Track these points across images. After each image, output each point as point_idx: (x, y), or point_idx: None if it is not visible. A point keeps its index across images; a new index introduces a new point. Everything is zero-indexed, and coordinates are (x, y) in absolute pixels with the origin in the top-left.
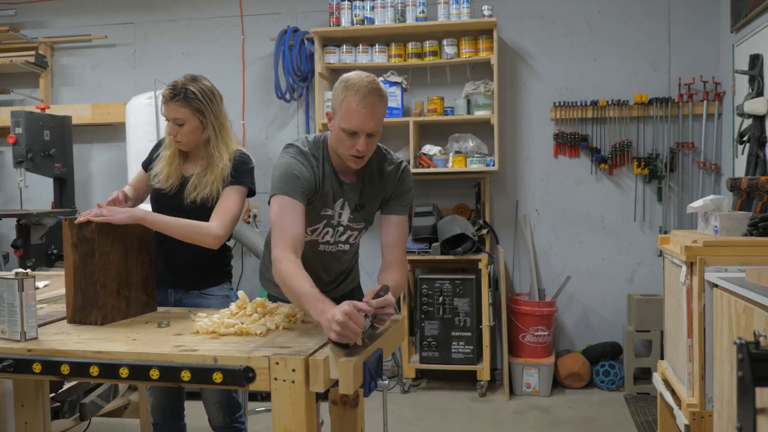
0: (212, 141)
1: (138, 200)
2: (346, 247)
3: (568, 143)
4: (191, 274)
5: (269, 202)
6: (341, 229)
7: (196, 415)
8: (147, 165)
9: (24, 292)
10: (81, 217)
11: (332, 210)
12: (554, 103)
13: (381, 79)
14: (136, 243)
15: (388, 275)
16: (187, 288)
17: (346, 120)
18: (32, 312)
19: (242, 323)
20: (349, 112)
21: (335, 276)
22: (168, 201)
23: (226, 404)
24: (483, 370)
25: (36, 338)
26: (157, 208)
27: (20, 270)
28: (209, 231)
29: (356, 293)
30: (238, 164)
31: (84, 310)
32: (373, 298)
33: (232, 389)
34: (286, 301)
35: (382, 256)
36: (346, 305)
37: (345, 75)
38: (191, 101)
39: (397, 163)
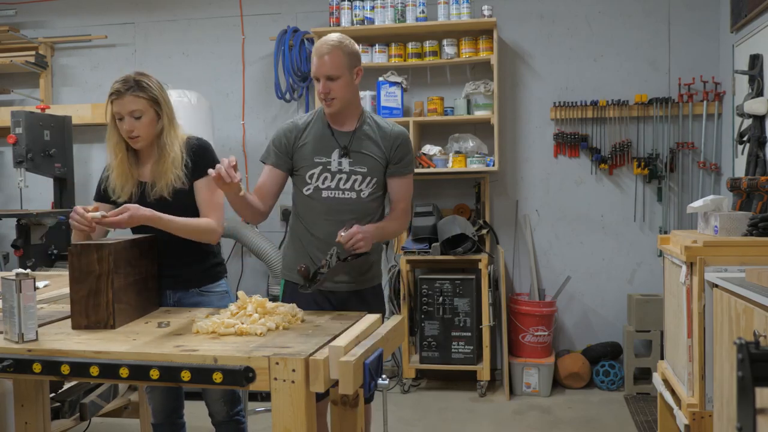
0: (165, 131)
1: (102, 236)
2: (353, 194)
3: (568, 143)
4: (189, 272)
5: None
6: (344, 176)
7: (195, 415)
8: (100, 197)
9: (22, 293)
10: (82, 226)
11: (327, 158)
12: (554, 103)
13: (381, 79)
14: (144, 249)
15: (384, 221)
16: (187, 287)
17: (311, 69)
18: (31, 314)
19: (242, 323)
20: (312, 62)
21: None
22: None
23: (229, 398)
24: (483, 370)
25: (35, 340)
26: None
27: (20, 270)
28: (210, 227)
29: (377, 292)
30: (201, 152)
31: (89, 326)
32: (343, 235)
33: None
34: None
35: (389, 207)
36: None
37: None
38: (147, 90)
39: (396, 126)
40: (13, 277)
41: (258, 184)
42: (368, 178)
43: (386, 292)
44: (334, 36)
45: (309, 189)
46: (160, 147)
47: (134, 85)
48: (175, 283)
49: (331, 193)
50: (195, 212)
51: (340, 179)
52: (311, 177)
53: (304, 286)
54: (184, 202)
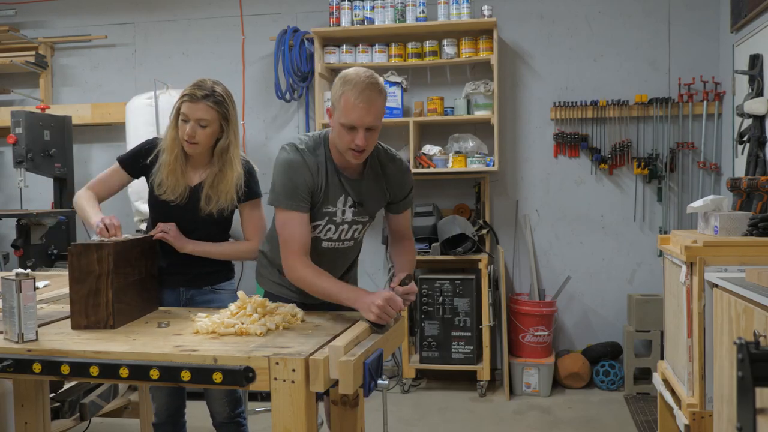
0: (231, 148)
1: (101, 200)
2: (351, 243)
3: (568, 143)
4: (203, 271)
5: (270, 203)
6: (346, 226)
7: (196, 415)
8: (131, 166)
9: (22, 293)
10: (157, 235)
11: (334, 207)
12: (554, 103)
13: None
14: (144, 249)
15: (403, 260)
16: (200, 285)
17: (345, 114)
18: (31, 314)
19: (242, 323)
20: (348, 107)
21: (339, 273)
22: (179, 213)
23: (231, 399)
24: (483, 370)
25: (35, 340)
26: (163, 218)
27: (21, 270)
28: (250, 251)
29: None
30: (253, 175)
31: (89, 326)
32: (399, 285)
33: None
34: (283, 298)
35: (390, 236)
36: (385, 292)
37: (344, 71)
38: (221, 104)
39: (399, 161)
40: (13, 277)
41: (298, 240)
42: (367, 225)
43: None
44: (373, 76)
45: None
46: (224, 162)
47: (211, 94)
48: (188, 280)
49: (332, 245)
50: (229, 224)
51: (342, 230)
52: (316, 228)
53: (379, 329)
54: (227, 217)
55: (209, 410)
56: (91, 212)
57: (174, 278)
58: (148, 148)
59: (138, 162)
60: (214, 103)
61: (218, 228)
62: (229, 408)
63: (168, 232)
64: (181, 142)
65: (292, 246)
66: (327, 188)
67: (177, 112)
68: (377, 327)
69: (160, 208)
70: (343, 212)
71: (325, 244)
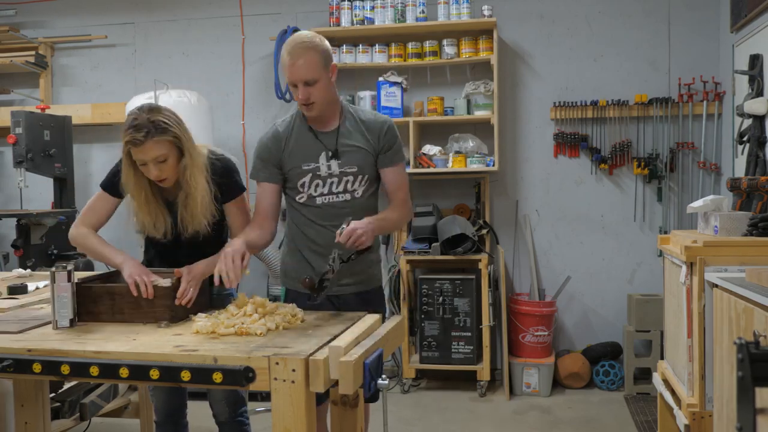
0: (188, 169)
1: (98, 230)
2: (347, 196)
3: (568, 143)
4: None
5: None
6: (335, 179)
7: (198, 415)
8: (115, 189)
9: (56, 284)
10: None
11: (316, 163)
12: (554, 103)
13: (381, 79)
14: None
15: (385, 212)
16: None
17: (286, 75)
18: (64, 303)
19: (242, 323)
20: (284, 67)
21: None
22: (169, 246)
23: (233, 398)
24: (483, 370)
25: (68, 327)
26: (156, 252)
27: (60, 264)
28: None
29: (376, 296)
30: (227, 173)
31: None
32: (341, 236)
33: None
34: (303, 295)
35: (388, 201)
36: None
37: None
38: (166, 132)
39: (376, 115)
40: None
41: (256, 208)
42: (360, 177)
43: (386, 292)
44: (303, 35)
45: (302, 197)
46: (186, 186)
47: (152, 129)
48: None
49: (326, 199)
50: (225, 228)
51: (332, 183)
52: (303, 185)
53: (312, 297)
54: (218, 226)
55: (212, 410)
56: (109, 253)
57: None
58: (116, 171)
59: (114, 185)
60: (159, 135)
61: (210, 238)
62: (231, 408)
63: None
64: (150, 182)
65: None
66: (299, 145)
67: (129, 157)
68: (317, 295)
69: (151, 243)
70: (329, 167)
71: (319, 200)
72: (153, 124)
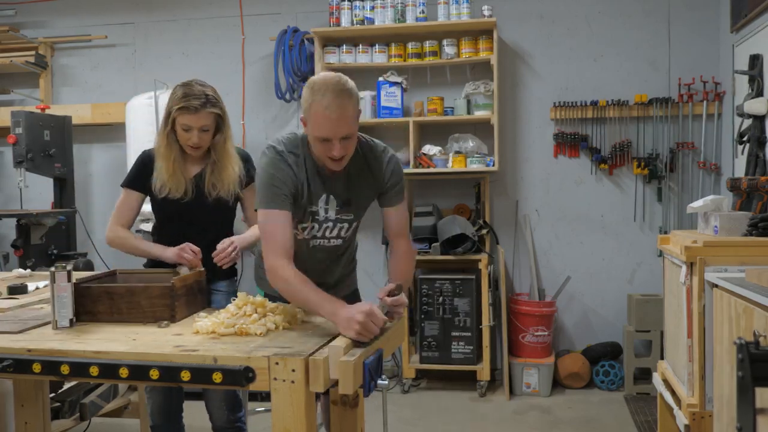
0: (227, 140)
1: (131, 227)
2: (339, 241)
3: (568, 143)
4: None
5: (255, 206)
6: (330, 224)
7: (194, 415)
8: (141, 184)
9: (56, 284)
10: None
11: (316, 206)
12: (554, 103)
13: (381, 79)
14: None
15: (398, 269)
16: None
17: (317, 128)
18: (64, 303)
19: (242, 323)
20: (318, 119)
21: (336, 276)
22: (188, 206)
23: (231, 403)
24: (483, 370)
25: (68, 327)
26: (170, 214)
27: (60, 263)
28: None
29: (351, 299)
30: (250, 162)
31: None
32: (387, 296)
33: (236, 391)
34: (282, 299)
35: (387, 236)
36: (365, 305)
37: (311, 78)
38: (216, 106)
39: (383, 152)
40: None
41: (283, 244)
42: (353, 224)
43: None
44: (340, 81)
45: (299, 236)
46: (223, 153)
47: (207, 100)
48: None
49: (318, 242)
50: (233, 213)
51: (327, 228)
52: (304, 229)
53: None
54: (231, 207)
55: (208, 414)
56: (152, 248)
57: None
58: (148, 162)
59: (145, 178)
60: (213, 107)
61: (223, 216)
62: (229, 412)
63: (190, 256)
64: (184, 147)
65: (273, 246)
66: (309, 186)
67: (172, 122)
68: (359, 342)
69: (166, 207)
70: (326, 210)
71: (312, 242)
72: (207, 97)
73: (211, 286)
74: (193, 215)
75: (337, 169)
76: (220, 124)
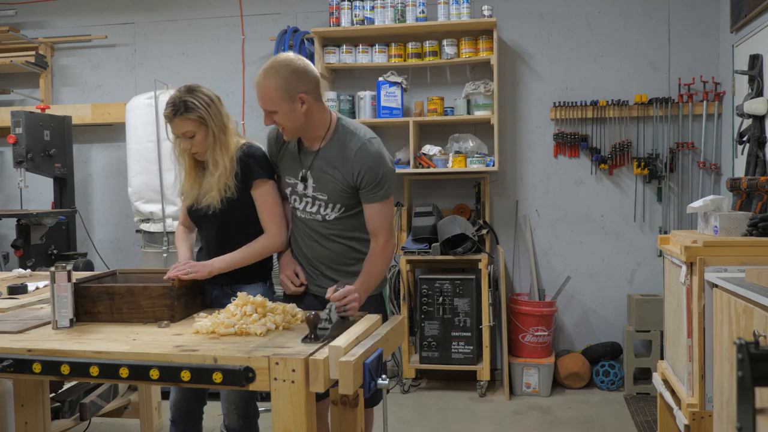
0: (211, 147)
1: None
2: (318, 217)
3: (568, 143)
4: (225, 272)
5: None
6: (309, 199)
7: (211, 415)
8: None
9: (56, 284)
10: (170, 273)
11: (295, 179)
12: (554, 103)
13: (381, 79)
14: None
15: (366, 265)
16: (221, 284)
17: None
18: (64, 303)
19: (242, 323)
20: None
21: (325, 259)
22: (197, 213)
23: (242, 408)
24: (483, 370)
25: (68, 327)
26: (196, 222)
27: (60, 263)
28: (272, 242)
29: (378, 302)
30: (247, 160)
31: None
32: (334, 292)
33: (251, 397)
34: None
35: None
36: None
37: None
38: (193, 111)
39: (359, 144)
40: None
41: (278, 208)
42: (330, 204)
43: (386, 292)
44: (275, 60)
45: (290, 204)
46: (208, 161)
47: (181, 107)
48: (212, 279)
49: (302, 215)
50: (255, 216)
51: (307, 203)
52: (288, 196)
53: (308, 337)
54: (241, 210)
55: (222, 411)
56: (178, 249)
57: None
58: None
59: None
60: (186, 113)
61: (236, 220)
62: (238, 416)
63: (188, 272)
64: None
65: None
66: (287, 157)
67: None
68: (314, 336)
69: (191, 215)
70: (304, 186)
71: (299, 213)
72: (183, 104)
73: (237, 291)
74: (209, 222)
75: (286, 138)
76: (207, 128)
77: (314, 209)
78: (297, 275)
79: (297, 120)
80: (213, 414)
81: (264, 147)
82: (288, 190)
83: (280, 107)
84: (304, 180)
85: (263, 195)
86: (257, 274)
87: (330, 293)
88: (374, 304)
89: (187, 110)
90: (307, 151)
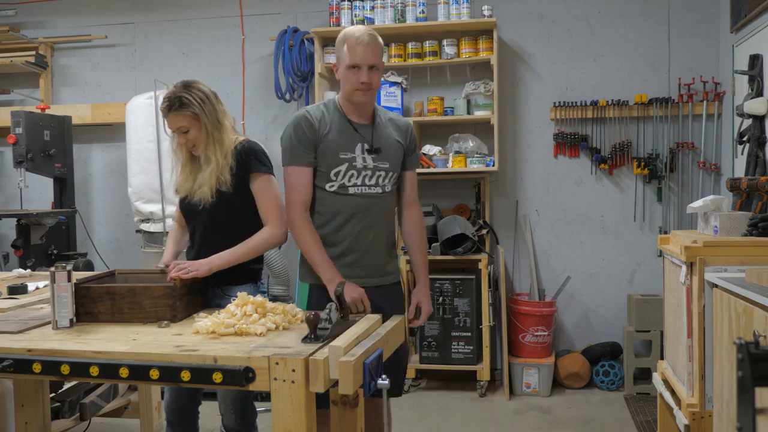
0: (204, 142)
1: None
2: (379, 190)
3: (568, 143)
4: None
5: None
6: (369, 172)
7: (210, 416)
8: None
9: (56, 284)
10: (171, 275)
11: (352, 153)
12: (554, 103)
13: (381, 79)
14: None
15: (416, 241)
16: (211, 285)
17: (350, 57)
18: (64, 303)
19: (242, 323)
20: (350, 50)
21: (375, 233)
22: (189, 206)
23: (240, 408)
24: (483, 370)
25: (68, 327)
26: (188, 218)
27: (60, 263)
28: (272, 236)
29: (398, 291)
30: (244, 155)
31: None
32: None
33: (248, 396)
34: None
35: (401, 208)
36: (358, 290)
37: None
38: (187, 107)
39: (404, 119)
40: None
41: (301, 197)
42: (390, 174)
43: None
44: (364, 27)
45: (333, 186)
46: (203, 156)
47: (176, 102)
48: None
49: (358, 190)
50: (255, 211)
51: (366, 176)
52: (337, 174)
53: (308, 337)
54: (233, 207)
55: (220, 412)
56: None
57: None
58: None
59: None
60: (181, 109)
61: (234, 216)
62: (236, 416)
63: (183, 271)
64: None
65: (293, 195)
66: (337, 133)
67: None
68: (314, 336)
69: (183, 209)
70: (364, 159)
71: (351, 189)
72: (178, 99)
73: (227, 293)
74: (200, 216)
75: (365, 99)
76: (200, 124)
77: (373, 181)
78: (362, 302)
79: (380, 82)
80: (213, 414)
81: (263, 146)
82: (341, 168)
83: (381, 66)
84: (370, 151)
85: (262, 188)
86: (248, 275)
87: (411, 314)
88: (395, 292)
89: (182, 106)
90: (361, 126)
